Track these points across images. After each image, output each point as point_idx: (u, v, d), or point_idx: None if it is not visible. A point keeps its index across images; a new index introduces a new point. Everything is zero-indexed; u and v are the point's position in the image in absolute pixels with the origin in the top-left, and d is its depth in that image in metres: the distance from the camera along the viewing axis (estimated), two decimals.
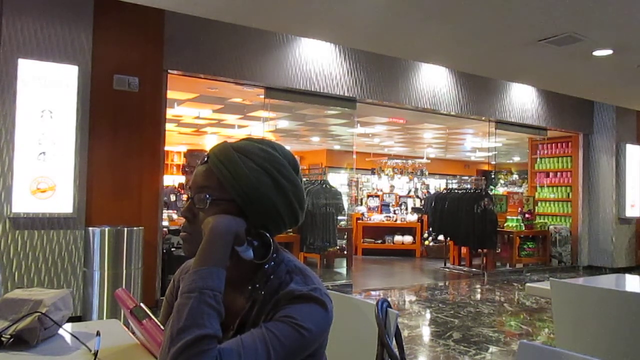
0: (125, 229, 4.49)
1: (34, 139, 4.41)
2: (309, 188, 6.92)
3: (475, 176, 14.67)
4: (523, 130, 8.97)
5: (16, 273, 4.38)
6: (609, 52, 5.60)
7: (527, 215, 9.04)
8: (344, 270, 8.18)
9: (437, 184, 14.37)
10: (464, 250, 9.06)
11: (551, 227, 9.10)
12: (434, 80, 7.42)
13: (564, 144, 9.72)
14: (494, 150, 10.85)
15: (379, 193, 12.12)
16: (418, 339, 4.65)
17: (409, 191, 12.84)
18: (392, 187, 12.51)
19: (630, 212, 9.10)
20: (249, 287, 1.07)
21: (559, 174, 9.78)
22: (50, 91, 4.48)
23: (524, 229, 8.78)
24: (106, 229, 4.41)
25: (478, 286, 7.36)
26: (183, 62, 5.41)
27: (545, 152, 10.00)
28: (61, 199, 4.51)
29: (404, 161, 13.80)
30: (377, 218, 11.06)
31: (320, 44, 6.32)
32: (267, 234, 1.08)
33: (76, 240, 4.61)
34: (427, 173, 13.85)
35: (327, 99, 6.65)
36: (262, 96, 6.32)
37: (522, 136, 10.12)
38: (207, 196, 1.05)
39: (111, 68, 4.90)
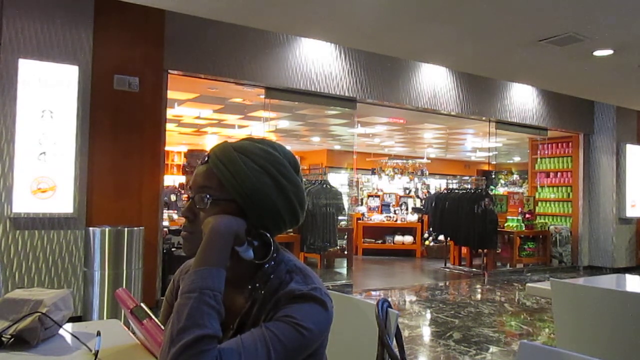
0: (126, 229, 4.48)
1: (35, 139, 4.41)
2: (309, 188, 6.92)
3: (476, 176, 14.66)
4: (523, 130, 8.97)
5: (17, 273, 4.38)
6: (609, 52, 5.60)
7: (527, 216, 9.04)
8: (344, 270, 8.18)
9: (437, 184, 14.36)
10: (464, 250, 9.05)
11: (551, 227, 9.10)
12: (434, 80, 7.42)
13: (564, 144, 9.71)
14: (494, 150, 10.87)
15: (380, 193, 12.13)
16: (418, 339, 4.65)
17: (409, 191, 12.84)
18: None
19: (630, 212, 9.10)
20: (249, 287, 1.07)
21: (559, 174, 9.77)
22: (50, 91, 4.48)
23: (524, 229, 8.78)
24: (106, 229, 4.41)
25: (478, 286, 7.36)
26: (183, 62, 5.41)
27: (546, 152, 9.99)
28: (61, 199, 4.51)
29: (404, 161, 13.79)
30: (378, 218, 11.05)
31: (320, 44, 6.32)
32: (268, 234, 1.08)
33: (76, 240, 4.61)
34: (427, 173, 13.84)
35: (327, 99, 6.65)
36: (263, 96, 6.32)
37: (522, 136, 10.12)
38: (208, 196, 1.05)
39: (111, 68, 4.90)
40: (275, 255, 1.09)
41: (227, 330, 1.04)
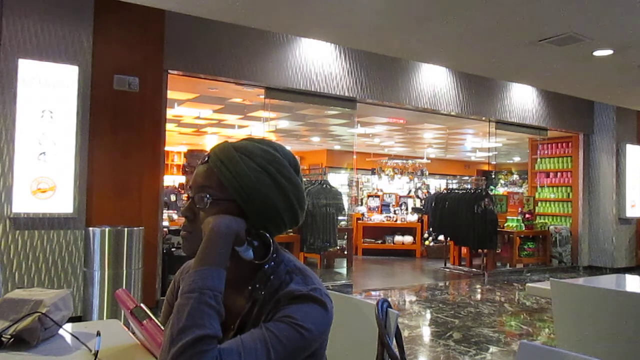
0: (126, 229, 4.48)
1: (34, 139, 4.41)
2: (309, 188, 6.92)
3: (476, 176, 14.66)
4: (523, 130, 8.97)
5: (16, 273, 4.38)
6: (609, 52, 5.60)
7: (527, 216, 9.03)
8: (344, 271, 8.18)
9: (437, 184, 14.36)
10: (464, 250, 9.05)
11: (551, 227, 9.10)
12: (434, 80, 7.42)
13: (564, 144, 9.71)
14: (494, 151, 10.86)
15: (379, 193, 12.13)
16: (418, 339, 4.65)
17: (409, 191, 12.85)
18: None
19: (630, 212, 9.10)
20: (249, 288, 1.07)
21: (559, 174, 9.77)
22: (50, 91, 4.48)
23: (524, 229, 8.78)
24: (106, 229, 4.41)
25: (478, 286, 7.35)
26: (183, 62, 5.41)
27: (546, 152, 9.99)
28: (61, 199, 4.51)
29: (404, 161, 13.79)
30: (378, 218, 11.05)
31: (320, 44, 6.32)
32: (267, 234, 1.08)
33: (76, 240, 4.61)
34: (427, 173, 13.84)
35: (327, 99, 6.65)
36: (262, 96, 6.32)
37: (522, 136, 10.12)
38: (208, 196, 1.05)
39: (111, 68, 4.89)
40: (275, 255, 1.09)
41: (227, 331, 1.04)
